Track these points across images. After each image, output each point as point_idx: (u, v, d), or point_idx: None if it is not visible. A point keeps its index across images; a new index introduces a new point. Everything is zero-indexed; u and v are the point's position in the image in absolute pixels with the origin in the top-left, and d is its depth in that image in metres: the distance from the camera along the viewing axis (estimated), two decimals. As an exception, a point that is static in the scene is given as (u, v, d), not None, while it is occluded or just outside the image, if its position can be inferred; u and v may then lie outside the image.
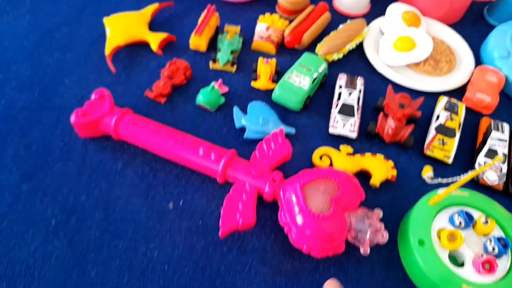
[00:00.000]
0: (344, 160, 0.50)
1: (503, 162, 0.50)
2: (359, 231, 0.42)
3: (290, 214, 0.42)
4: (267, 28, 0.62)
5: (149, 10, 0.63)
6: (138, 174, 0.49)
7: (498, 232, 0.43)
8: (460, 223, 0.42)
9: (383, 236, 0.42)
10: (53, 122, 0.53)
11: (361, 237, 0.42)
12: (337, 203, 0.41)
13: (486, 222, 0.42)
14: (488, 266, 0.40)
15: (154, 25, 0.64)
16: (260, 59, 0.58)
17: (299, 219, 0.41)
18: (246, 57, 0.62)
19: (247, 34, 0.64)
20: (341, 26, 0.63)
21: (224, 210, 0.43)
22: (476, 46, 0.66)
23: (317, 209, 0.41)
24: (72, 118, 0.48)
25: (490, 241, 0.41)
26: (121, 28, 0.59)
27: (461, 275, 0.40)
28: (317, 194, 0.42)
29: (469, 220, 0.43)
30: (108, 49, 0.58)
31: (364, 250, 0.41)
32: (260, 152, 0.48)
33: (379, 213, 0.43)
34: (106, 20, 0.61)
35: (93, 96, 0.51)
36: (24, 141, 0.51)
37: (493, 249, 0.41)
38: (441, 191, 0.44)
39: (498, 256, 0.41)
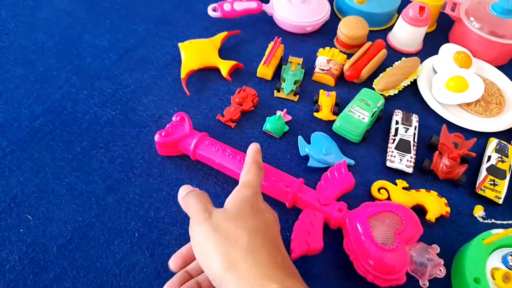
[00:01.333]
0: (401, 194, 0.53)
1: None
2: (419, 264, 0.45)
3: (356, 243, 0.46)
4: (328, 61, 0.66)
5: (219, 37, 0.68)
6: (211, 194, 0.53)
7: (549, 275, 0.46)
8: (513, 264, 0.46)
9: (441, 271, 0.45)
10: (134, 139, 0.57)
11: (421, 269, 0.45)
12: (400, 237, 0.45)
13: (538, 264, 0.45)
14: (539, 308, 0.43)
15: (221, 51, 0.68)
16: (321, 91, 0.62)
17: (365, 249, 0.44)
18: (306, 88, 0.66)
19: (307, 65, 0.68)
20: (396, 63, 0.67)
21: (295, 235, 0.47)
22: (524, 89, 0.69)
23: (381, 240, 0.45)
24: (156, 138, 0.53)
25: (542, 283, 0.44)
26: (195, 54, 0.64)
27: (513, 315, 0.43)
28: (382, 226, 0.46)
29: (522, 261, 0.46)
30: (183, 73, 0.62)
31: (423, 282, 0.45)
32: (326, 182, 0.51)
33: (437, 248, 0.47)
34: (181, 45, 0.65)
35: (174, 118, 0.55)
36: (108, 155, 0.55)
37: (545, 291, 0.44)
38: (495, 232, 0.47)
39: (549, 298, 0.44)
